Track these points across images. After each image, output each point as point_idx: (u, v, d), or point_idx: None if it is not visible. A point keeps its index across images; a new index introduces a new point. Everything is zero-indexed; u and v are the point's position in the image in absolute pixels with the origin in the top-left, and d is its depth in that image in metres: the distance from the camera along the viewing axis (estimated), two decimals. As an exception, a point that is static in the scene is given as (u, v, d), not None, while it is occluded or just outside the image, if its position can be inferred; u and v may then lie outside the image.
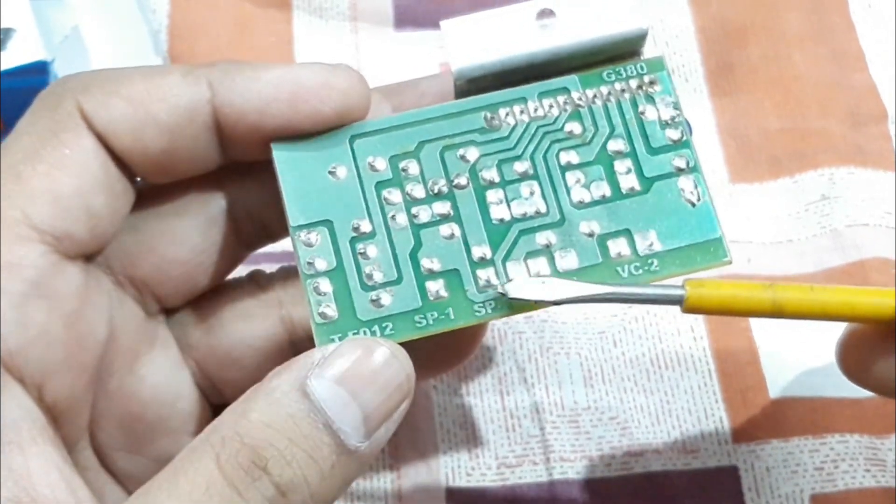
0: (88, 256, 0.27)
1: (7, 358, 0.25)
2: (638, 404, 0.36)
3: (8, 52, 0.35)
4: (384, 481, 0.35)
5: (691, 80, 0.43)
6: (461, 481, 0.35)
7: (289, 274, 0.31)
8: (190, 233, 0.29)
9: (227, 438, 0.24)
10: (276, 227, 0.29)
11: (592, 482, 0.35)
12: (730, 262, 0.26)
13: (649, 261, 0.26)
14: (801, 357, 0.37)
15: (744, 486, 0.35)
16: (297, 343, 0.30)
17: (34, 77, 0.36)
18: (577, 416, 0.36)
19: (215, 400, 0.31)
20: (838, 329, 0.31)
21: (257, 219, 0.29)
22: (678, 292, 0.26)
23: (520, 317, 0.37)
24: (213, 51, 0.44)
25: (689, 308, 0.26)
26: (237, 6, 0.45)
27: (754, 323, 0.37)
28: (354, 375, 0.24)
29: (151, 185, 0.28)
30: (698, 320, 0.37)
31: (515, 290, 0.25)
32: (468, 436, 0.36)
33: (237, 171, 0.29)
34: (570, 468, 0.35)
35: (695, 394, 0.36)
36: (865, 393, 0.35)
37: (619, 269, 0.26)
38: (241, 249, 0.30)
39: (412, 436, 0.36)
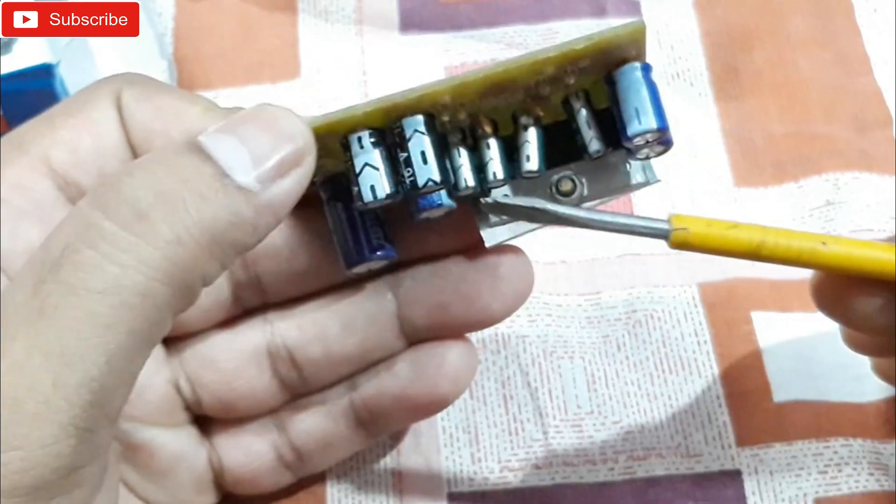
0: None
1: None
2: (641, 409, 0.36)
3: (13, 55, 0.36)
4: (386, 485, 0.35)
5: (696, 85, 0.43)
6: (463, 486, 0.35)
7: None
8: None
9: (98, 181, 0.24)
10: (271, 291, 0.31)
11: (595, 487, 0.35)
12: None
13: None
14: (804, 361, 0.37)
15: (747, 490, 0.35)
16: (274, 350, 0.31)
17: (39, 80, 0.36)
18: (581, 421, 0.36)
19: (194, 408, 0.32)
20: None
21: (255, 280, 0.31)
22: (664, 226, 0.27)
23: (523, 320, 0.37)
24: (217, 53, 0.44)
25: (676, 242, 0.27)
26: (242, 9, 0.45)
27: (758, 326, 0.37)
28: (242, 123, 0.25)
29: None
30: (702, 325, 0.37)
31: (505, 199, 0.27)
32: (471, 440, 0.36)
33: None
34: (573, 473, 0.35)
35: (698, 398, 0.36)
36: (868, 398, 0.35)
37: None
38: (235, 309, 0.32)
39: (414, 440, 0.36)
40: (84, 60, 0.39)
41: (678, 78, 0.43)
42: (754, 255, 0.27)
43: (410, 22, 0.45)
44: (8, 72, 0.35)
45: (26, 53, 0.36)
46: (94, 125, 0.28)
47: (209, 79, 0.43)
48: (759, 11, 0.44)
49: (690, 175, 0.41)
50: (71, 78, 0.37)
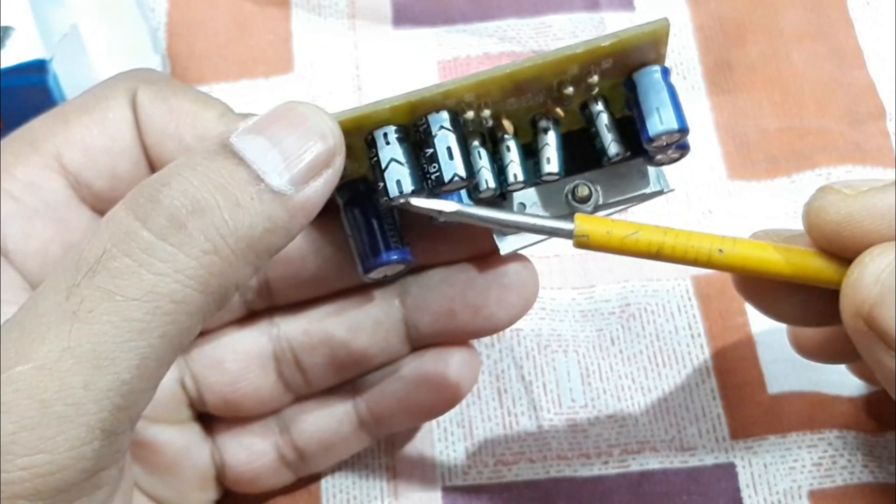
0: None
1: (4, 252, 0.27)
2: (635, 402, 0.36)
3: (7, 51, 0.36)
4: (380, 479, 0.35)
5: (689, 78, 0.43)
6: (458, 480, 0.35)
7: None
8: None
9: (136, 189, 0.24)
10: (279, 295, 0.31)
11: (589, 481, 0.35)
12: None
13: None
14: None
15: (741, 482, 0.35)
16: (279, 353, 0.32)
17: (33, 75, 0.36)
18: (575, 415, 0.36)
19: (198, 406, 0.32)
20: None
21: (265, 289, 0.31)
22: (569, 228, 0.27)
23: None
24: (211, 48, 0.44)
25: (579, 245, 0.27)
26: (236, 4, 0.45)
27: (752, 318, 0.37)
28: (272, 123, 0.25)
29: None
30: (696, 318, 0.37)
31: (417, 201, 0.27)
32: (465, 434, 0.36)
33: None
34: (567, 466, 0.35)
35: (692, 391, 0.36)
36: (863, 390, 0.35)
37: None
38: (242, 311, 0.32)
39: (409, 434, 0.36)
40: (78, 56, 0.39)
41: (671, 71, 0.43)
42: (654, 257, 0.27)
43: (403, 16, 0.45)
44: (1, 68, 0.35)
45: (19, 49, 0.36)
46: (108, 124, 0.28)
47: (202, 74, 0.43)
48: (751, 5, 0.44)
49: (685, 167, 0.41)
50: (65, 73, 0.37)
